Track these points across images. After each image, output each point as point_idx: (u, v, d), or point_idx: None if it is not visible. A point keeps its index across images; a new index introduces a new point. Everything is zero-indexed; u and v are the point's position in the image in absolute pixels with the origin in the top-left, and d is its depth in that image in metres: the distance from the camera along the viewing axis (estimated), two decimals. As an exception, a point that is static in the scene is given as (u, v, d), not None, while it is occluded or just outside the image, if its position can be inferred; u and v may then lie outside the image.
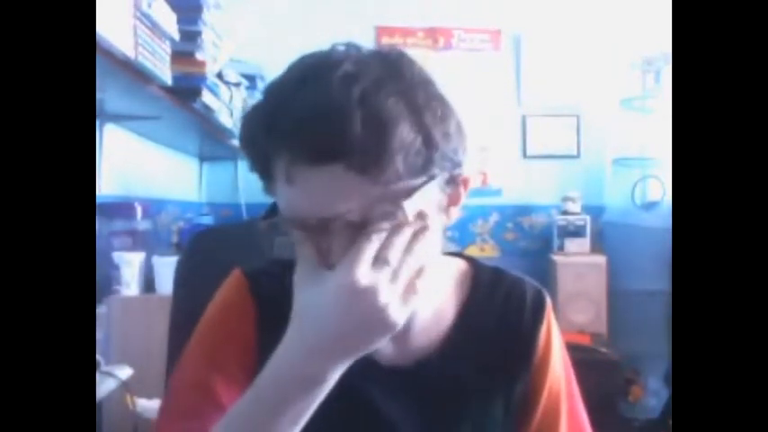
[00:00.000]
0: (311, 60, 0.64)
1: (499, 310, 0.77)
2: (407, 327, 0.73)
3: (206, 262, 0.95)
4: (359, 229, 0.61)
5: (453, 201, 0.70)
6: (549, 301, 0.79)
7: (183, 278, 1.02)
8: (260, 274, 0.77)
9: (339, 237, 0.61)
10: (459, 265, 0.81)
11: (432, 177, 0.64)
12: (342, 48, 0.66)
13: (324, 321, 0.60)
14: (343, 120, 0.58)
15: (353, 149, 0.58)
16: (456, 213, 0.70)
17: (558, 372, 0.78)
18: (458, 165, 0.67)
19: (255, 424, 0.63)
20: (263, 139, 0.63)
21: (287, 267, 0.67)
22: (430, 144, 0.62)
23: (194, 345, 0.76)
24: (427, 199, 0.64)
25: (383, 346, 0.73)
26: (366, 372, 0.73)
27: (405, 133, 0.60)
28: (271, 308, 0.73)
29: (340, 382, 0.73)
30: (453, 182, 0.68)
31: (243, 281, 0.77)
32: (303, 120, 0.59)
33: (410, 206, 0.61)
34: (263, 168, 0.65)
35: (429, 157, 0.62)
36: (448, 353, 0.75)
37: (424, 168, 0.62)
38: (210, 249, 1.04)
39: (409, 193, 0.62)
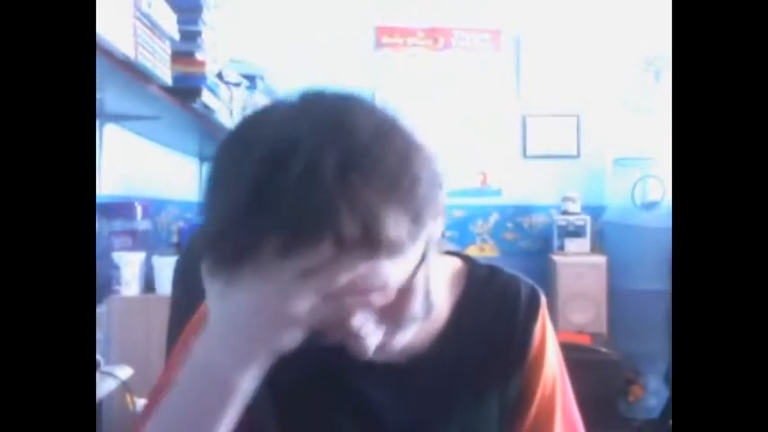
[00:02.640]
0: (263, 146, 0.56)
1: (493, 307, 0.77)
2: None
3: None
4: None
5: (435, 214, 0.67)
6: (543, 299, 0.79)
7: (180, 277, 1.02)
8: None
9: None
10: (455, 264, 0.81)
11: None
12: (281, 110, 0.60)
13: (231, 316, 0.58)
14: (329, 211, 0.53)
15: (344, 235, 0.53)
16: (442, 224, 0.67)
17: (553, 370, 0.78)
18: (438, 201, 0.61)
19: (174, 422, 0.61)
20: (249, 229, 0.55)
21: None
22: (418, 220, 0.58)
23: (179, 345, 0.76)
24: (421, 247, 0.61)
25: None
26: (358, 367, 0.74)
27: (392, 224, 0.55)
28: None
29: (331, 378, 0.73)
30: (437, 215, 0.64)
31: None
32: (263, 222, 0.53)
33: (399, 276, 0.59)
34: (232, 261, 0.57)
35: (417, 222, 0.58)
36: (441, 349, 0.75)
37: (414, 237, 0.58)
38: None
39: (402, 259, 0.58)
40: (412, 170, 0.57)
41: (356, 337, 0.60)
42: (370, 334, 0.61)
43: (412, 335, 0.68)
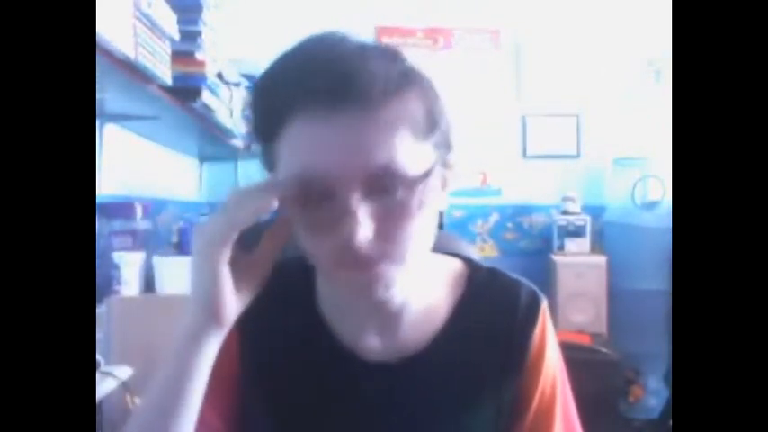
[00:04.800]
0: (317, 35, 0.66)
1: (493, 310, 0.77)
2: (397, 321, 0.74)
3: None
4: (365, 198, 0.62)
5: (444, 184, 0.71)
6: (544, 303, 0.79)
7: None
8: None
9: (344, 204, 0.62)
10: (455, 265, 0.81)
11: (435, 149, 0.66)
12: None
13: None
14: (356, 65, 0.61)
15: (368, 90, 0.60)
16: (446, 198, 0.72)
17: (552, 374, 0.78)
18: (449, 146, 0.69)
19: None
20: (275, 92, 0.64)
21: (271, 294, 0.69)
22: (430, 114, 0.65)
23: None
24: (430, 170, 0.65)
25: (371, 341, 0.73)
26: (351, 367, 0.74)
27: (411, 96, 0.64)
28: (253, 314, 0.71)
29: (326, 378, 0.73)
30: (447, 165, 0.69)
31: None
32: (317, 67, 0.61)
33: (415, 169, 0.63)
34: (271, 128, 0.65)
35: (430, 125, 0.65)
36: (437, 350, 0.75)
37: (425, 135, 0.65)
38: None
39: (415, 152, 0.63)
40: (437, 97, 0.68)
41: (359, 253, 0.62)
42: (371, 233, 0.62)
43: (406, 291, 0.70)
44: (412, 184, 0.63)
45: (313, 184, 0.62)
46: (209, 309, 0.64)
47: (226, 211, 0.63)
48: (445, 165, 0.69)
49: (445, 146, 0.68)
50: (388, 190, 0.62)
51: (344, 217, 0.61)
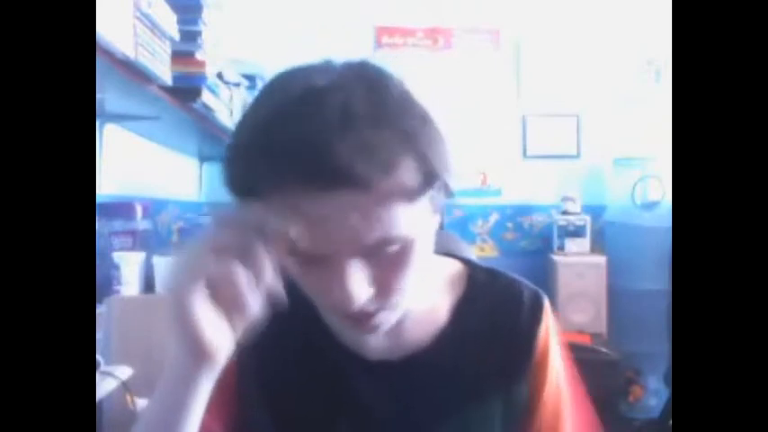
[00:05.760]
0: (295, 89, 0.61)
1: (494, 310, 0.77)
2: (399, 322, 0.73)
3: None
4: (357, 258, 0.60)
5: (437, 208, 0.70)
6: (547, 302, 0.79)
7: None
8: None
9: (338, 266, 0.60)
10: (455, 266, 0.81)
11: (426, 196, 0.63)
12: (318, 66, 0.65)
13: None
14: (344, 144, 0.56)
15: (357, 175, 0.56)
16: (439, 218, 0.71)
17: (558, 373, 0.78)
18: (444, 180, 0.65)
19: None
20: (256, 165, 0.59)
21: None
22: (431, 172, 0.61)
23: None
24: (424, 218, 0.64)
25: (374, 341, 0.73)
26: (353, 365, 0.74)
27: (407, 163, 0.59)
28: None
29: (329, 377, 0.73)
30: (440, 193, 0.67)
31: None
32: (298, 148, 0.57)
33: (407, 227, 0.61)
34: (248, 192, 0.61)
35: (428, 181, 0.61)
36: (440, 349, 0.75)
37: (421, 192, 0.61)
38: None
39: (410, 215, 0.61)
40: (431, 128, 0.63)
41: (353, 298, 0.60)
42: (367, 296, 0.61)
43: (403, 325, 0.69)
44: (407, 242, 0.62)
45: (304, 250, 0.59)
46: (194, 352, 0.58)
47: (203, 243, 0.57)
48: (439, 195, 0.66)
49: (441, 183, 0.64)
50: (383, 254, 0.61)
51: (338, 281, 0.60)
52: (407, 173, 0.59)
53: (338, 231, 0.58)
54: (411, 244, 0.62)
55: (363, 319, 0.64)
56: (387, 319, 0.66)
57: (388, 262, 0.62)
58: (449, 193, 0.66)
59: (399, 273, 0.63)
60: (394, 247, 0.61)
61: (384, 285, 0.63)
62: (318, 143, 0.56)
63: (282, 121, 0.58)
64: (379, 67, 0.65)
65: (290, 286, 0.78)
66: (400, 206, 0.59)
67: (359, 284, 0.61)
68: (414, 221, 0.62)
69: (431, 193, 0.62)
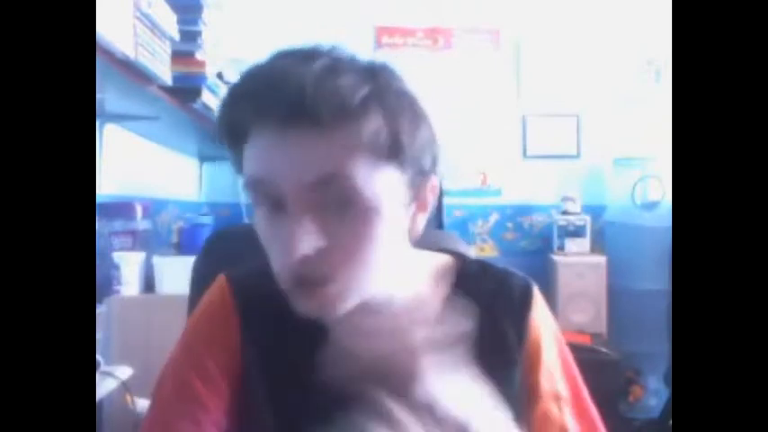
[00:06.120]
0: (291, 49, 0.67)
1: (485, 300, 0.77)
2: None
3: (222, 262, 0.95)
4: (315, 206, 0.63)
5: (421, 207, 0.72)
6: (536, 290, 0.80)
7: (198, 278, 1.02)
8: (244, 279, 0.77)
9: (296, 209, 0.63)
10: (443, 259, 0.82)
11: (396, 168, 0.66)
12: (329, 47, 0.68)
13: None
14: (312, 85, 0.61)
15: (319, 111, 0.61)
16: (423, 222, 0.72)
17: (553, 358, 0.78)
18: (423, 169, 0.69)
19: None
20: (237, 105, 0.66)
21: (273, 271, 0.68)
22: (396, 138, 0.64)
23: (176, 349, 0.76)
24: (389, 189, 0.65)
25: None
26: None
27: (373, 118, 0.63)
28: (254, 312, 0.74)
29: (319, 368, 0.73)
30: (418, 184, 0.69)
31: (226, 286, 0.77)
32: (273, 84, 0.62)
33: (368, 186, 0.63)
34: (235, 136, 0.67)
35: (394, 149, 0.64)
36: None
37: (388, 157, 0.64)
38: (227, 249, 1.04)
39: (369, 170, 0.63)
40: (420, 116, 0.67)
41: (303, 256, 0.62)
42: (311, 248, 0.63)
43: (357, 296, 0.69)
44: (365, 202, 0.63)
45: (262, 191, 0.65)
46: None
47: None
48: (417, 184, 0.69)
49: (417, 168, 0.68)
50: (339, 206, 0.63)
51: (287, 228, 0.63)
52: (368, 125, 0.62)
53: (287, 164, 0.62)
54: (370, 207, 0.63)
55: (311, 287, 0.64)
56: (338, 295, 0.66)
57: (344, 223, 0.63)
58: (435, 187, 0.70)
59: (357, 239, 0.64)
60: (351, 210, 0.63)
61: (337, 248, 0.64)
62: (292, 83, 0.61)
63: (270, 68, 0.64)
64: (391, 67, 0.70)
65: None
66: (353, 152, 0.62)
67: (305, 233, 0.62)
68: (373, 182, 0.63)
69: (400, 166, 0.65)
